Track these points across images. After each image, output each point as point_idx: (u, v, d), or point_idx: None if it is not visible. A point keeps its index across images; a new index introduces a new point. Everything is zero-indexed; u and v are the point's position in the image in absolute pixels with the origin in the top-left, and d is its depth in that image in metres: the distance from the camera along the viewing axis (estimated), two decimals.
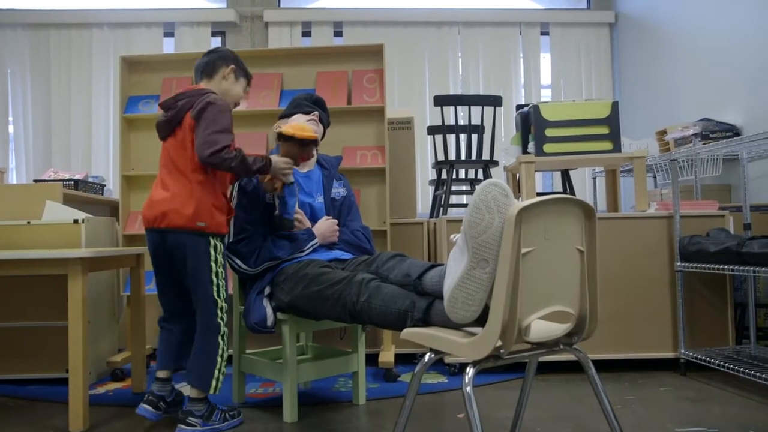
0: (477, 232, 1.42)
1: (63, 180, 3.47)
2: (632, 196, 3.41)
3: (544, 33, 5.93)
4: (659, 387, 2.62)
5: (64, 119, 5.58)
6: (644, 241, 2.91)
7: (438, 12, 5.81)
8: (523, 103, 4.58)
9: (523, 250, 1.38)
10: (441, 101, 3.62)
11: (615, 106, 3.10)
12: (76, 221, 2.74)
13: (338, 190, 2.60)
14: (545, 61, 5.94)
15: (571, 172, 3.75)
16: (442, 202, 3.58)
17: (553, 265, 1.47)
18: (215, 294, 2.14)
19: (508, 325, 1.38)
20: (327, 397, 2.57)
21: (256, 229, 2.38)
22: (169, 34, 5.77)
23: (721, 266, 2.53)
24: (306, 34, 5.80)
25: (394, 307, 1.79)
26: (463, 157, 3.77)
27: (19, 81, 5.60)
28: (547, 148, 3.07)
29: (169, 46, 5.78)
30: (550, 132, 3.08)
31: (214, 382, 2.11)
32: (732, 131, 3.93)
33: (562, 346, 1.58)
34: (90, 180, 3.74)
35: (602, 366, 2.84)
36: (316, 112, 2.55)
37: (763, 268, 2.31)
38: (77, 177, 3.59)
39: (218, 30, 5.82)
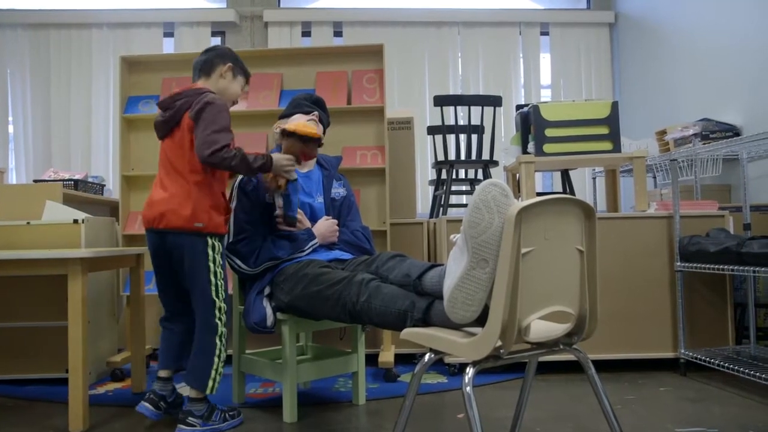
0: (477, 232, 1.42)
1: (63, 180, 3.47)
2: (632, 196, 3.41)
3: (544, 33, 5.92)
4: (659, 387, 2.62)
5: (64, 119, 5.58)
6: (644, 241, 2.91)
7: (438, 12, 5.81)
8: (523, 103, 4.57)
9: (523, 250, 1.38)
10: (441, 101, 3.62)
11: (615, 106, 3.10)
12: (75, 221, 2.74)
13: (338, 191, 2.60)
14: (545, 61, 5.94)
15: (571, 172, 3.75)
16: (442, 202, 3.58)
17: (552, 265, 1.47)
18: (213, 294, 2.14)
19: (508, 325, 1.38)
20: (327, 397, 2.57)
21: (256, 229, 2.38)
22: (168, 34, 5.77)
23: (721, 266, 2.53)
24: (306, 34, 5.80)
25: (393, 307, 1.79)
26: (462, 157, 3.77)
27: (19, 81, 5.60)
28: (547, 148, 3.07)
29: (168, 46, 5.78)
30: (549, 132, 3.08)
31: (210, 383, 2.11)
32: (732, 131, 3.93)
33: (561, 346, 1.58)
34: (90, 180, 3.74)
35: (602, 366, 2.84)
36: (315, 112, 2.55)
37: (762, 268, 2.31)
38: (77, 177, 3.59)
39: (218, 30, 5.82)
